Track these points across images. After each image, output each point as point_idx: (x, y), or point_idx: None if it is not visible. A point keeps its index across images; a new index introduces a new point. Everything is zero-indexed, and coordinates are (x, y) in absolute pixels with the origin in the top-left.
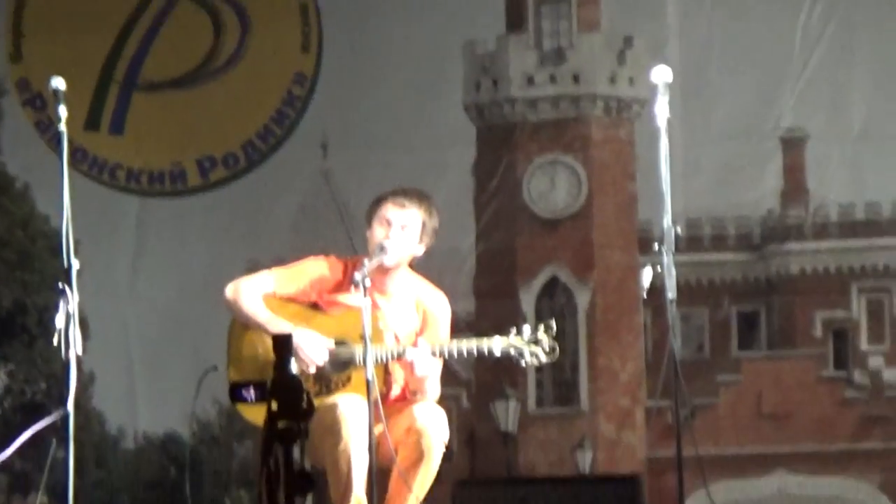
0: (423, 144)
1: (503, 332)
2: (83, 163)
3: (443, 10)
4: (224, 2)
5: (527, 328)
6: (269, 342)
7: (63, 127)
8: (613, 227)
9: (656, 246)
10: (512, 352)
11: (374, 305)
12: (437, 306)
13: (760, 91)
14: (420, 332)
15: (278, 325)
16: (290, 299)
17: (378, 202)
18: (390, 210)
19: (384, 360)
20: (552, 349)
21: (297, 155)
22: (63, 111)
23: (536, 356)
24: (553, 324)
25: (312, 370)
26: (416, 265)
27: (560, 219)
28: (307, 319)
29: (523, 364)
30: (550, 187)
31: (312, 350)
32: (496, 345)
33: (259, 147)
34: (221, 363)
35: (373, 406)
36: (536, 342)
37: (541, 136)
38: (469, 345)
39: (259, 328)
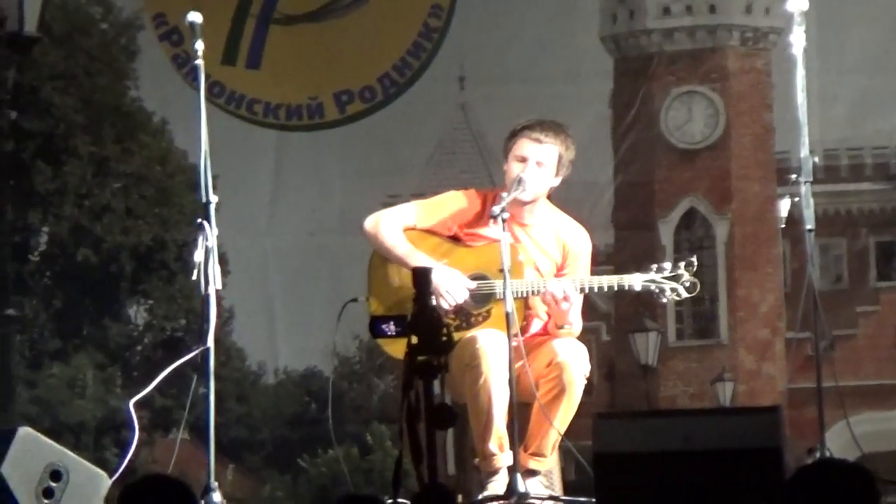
0: (561, 76)
1: (643, 265)
2: (220, 97)
3: None
4: None
5: (667, 265)
6: (410, 275)
7: (200, 61)
8: (751, 157)
9: (794, 177)
10: (652, 287)
11: (514, 238)
12: (578, 241)
13: None
14: (561, 267)
15: (417, 258)
16: (431, 232)
17: (514, 136)
18: (527, 146)
19: (524, 294)
20: (693, 285)
21: (433, 88)
22: (200, 45)
23: (677, 292)
24: (694, 260)
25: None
26: (555, 198)
27: (697, 150)
28: (447, 252)
29: (664, 300)
30: (688, 118)
31: (452, 288)
32: (637, 281)
33: (396, 80)
34: (361, 297)
35: (513, 340)
36: (677, 278)
37: (678, 66)
38: (610, 281)
39: (398, 262)
